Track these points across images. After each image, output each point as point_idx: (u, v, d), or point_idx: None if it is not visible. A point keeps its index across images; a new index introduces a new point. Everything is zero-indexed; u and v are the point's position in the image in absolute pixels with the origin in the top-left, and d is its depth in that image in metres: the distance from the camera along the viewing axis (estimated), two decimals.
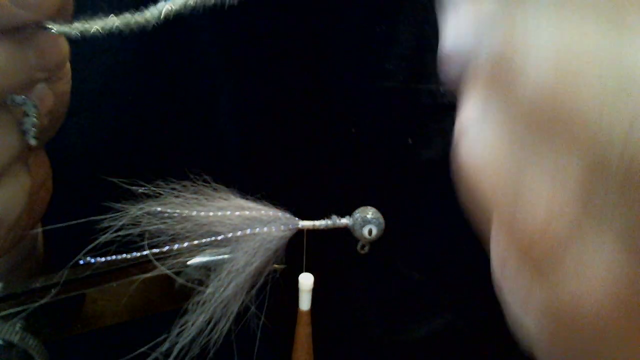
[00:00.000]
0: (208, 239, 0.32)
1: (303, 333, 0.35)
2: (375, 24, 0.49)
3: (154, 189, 0.32)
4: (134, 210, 0.31)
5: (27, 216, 0.37)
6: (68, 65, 0.36)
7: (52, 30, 0.30)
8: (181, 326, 0.31)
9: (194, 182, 0.32)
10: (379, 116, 0.50)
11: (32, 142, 0.32)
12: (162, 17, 0.28)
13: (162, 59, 0.50)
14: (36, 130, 0.32)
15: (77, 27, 0.30)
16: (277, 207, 0.33)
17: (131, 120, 0.49)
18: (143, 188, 0.32)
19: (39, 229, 0.42)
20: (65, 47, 0.33)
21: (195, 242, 0.32)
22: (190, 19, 0.49)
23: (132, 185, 0.32)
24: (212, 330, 0.31)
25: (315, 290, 0.35)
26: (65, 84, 0.37)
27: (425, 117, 0.50)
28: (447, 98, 0.49)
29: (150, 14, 0.28)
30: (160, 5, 0.28)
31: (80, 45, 0.32)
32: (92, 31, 0.30)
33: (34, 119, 0.32)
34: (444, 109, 0.50)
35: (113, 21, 0.29)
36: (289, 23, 0.49)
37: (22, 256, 0.42)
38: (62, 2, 0.31)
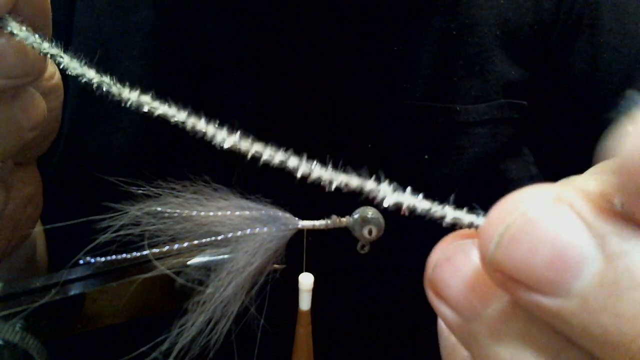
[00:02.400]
0: (208, 239, 0.32)
1: (303, 333, 0.35)
2: (394, 43, 0.50)
3: (154, 189, 0.32)
4: (134, 211, 0.31)
5: (11, 232, 0.36)
6: (58, 80, 0.35)
7: (10, 31, 0.27)
8: (181, 326, 0.31)
9: (194, 182, 0.32)
10: (394, 132, 0.50)
11: None
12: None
13: (171, 62, 0.50)
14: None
15: (42, 44, 0.27)
16: (277, 207, 0.33)
17: (137, 121, 0.49)
18: (143, 188, 0.32)
19: (40, 228, 0.42)
20: (31, 53, 0.29)
21: (195, 242, 0.32)
22: (203, 26, 0.50)
23: (132, 185, 0.32)
24: (212, 330, 0.31)
25: (315, 290, 0.34)
26: (54, 100, 0.36)
27: (441, 135, 0.50)
28: (462, 115, 0.50)
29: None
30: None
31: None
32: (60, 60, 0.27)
33: None
34: (460, 126, 0.50)
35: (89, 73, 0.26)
36: (309, 39, 0.50)
37: (22, 264, 0.42)
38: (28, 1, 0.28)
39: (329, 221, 0.33)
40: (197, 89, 0.50)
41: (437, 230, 0.22)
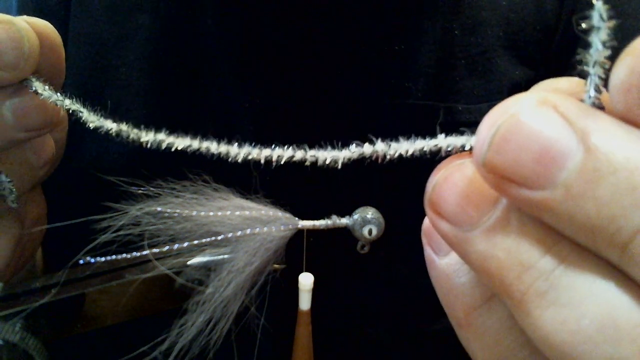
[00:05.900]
0: (208, 239, 0.32)
1: (303, 333, 0.35)
2: (395, 43, 0.50)
3: (154, 189, 0.32)
4: (134, 210, 0.31)
5: (18, 255, 0.37)
6: (63, 113, 0.36)
7: (35, 91, 0.30)
8: (181, 326, 0.31)
9: (194, 182, 0.32)
10: (395, 131, 0.50)
11: (13, 205, 0.33)
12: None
13: (169, 67, 0.50)
14: (15, 196, 0.32)
15: (64, 102, 0.29)
16: (277, 207, 0.33)
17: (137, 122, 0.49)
18: (143, 188, 0.32)
19: (40, 227, 0.42)
20: (49, 107, 0.32)
21: (195, 242, 0.32)
22: (201, 31, 0.49)
23: (132, 185, 0.32)
24: (212, 330, 0.31)
25: (315, 290, 0.34)
26: (60, 132, 0.37)
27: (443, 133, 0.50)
28: (465, 115, 0.50)
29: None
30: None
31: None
32: (80, 115, 0.29)
33: (11, 188, 0.32)
34: (461, 125, 0.50)
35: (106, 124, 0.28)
36: (309, 39, 0.50)
37: (22, 275, 0.42)
38: (47, 60, 0.31)
39: (329, 221, 0.33)
40: (195, 93, 0.50)
41: None
